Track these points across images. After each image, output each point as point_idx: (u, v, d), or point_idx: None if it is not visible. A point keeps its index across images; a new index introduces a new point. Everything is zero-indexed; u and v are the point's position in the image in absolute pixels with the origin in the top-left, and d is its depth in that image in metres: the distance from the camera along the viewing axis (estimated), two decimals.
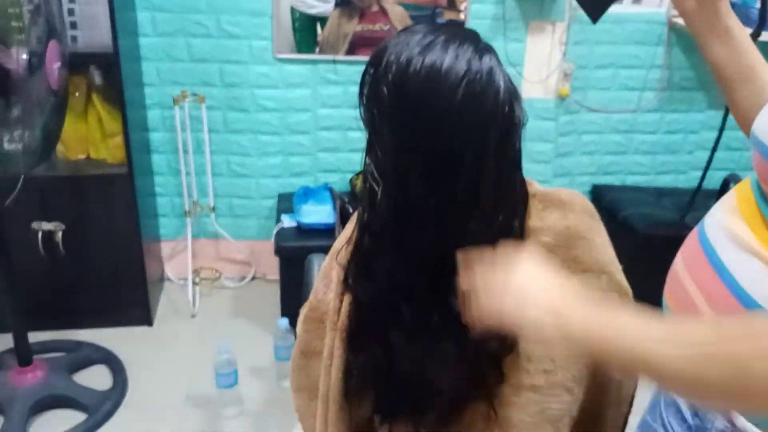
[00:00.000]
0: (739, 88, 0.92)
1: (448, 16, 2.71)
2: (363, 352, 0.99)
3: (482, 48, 0.83)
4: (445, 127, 0.81)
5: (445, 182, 0.83)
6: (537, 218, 0.93)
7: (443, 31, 0.84)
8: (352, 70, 2.69)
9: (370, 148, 0.89)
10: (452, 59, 0.80)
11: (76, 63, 2.21)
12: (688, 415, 0.88)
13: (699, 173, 2.57)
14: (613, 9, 0.96)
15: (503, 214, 0.88)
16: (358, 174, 2.82)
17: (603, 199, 2.88)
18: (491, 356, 0.92)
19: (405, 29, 0.87)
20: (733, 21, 0.91)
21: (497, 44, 2.60)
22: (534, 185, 0.96)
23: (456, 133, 0.81)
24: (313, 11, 2.68)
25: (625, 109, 2.91)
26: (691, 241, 0.88)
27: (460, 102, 0.79)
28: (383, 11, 2.70)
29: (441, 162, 0.82)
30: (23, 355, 2.13)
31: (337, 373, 1.01)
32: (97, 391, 2.21)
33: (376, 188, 0.88)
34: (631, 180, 3.06)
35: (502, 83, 0.82)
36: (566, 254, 0.94)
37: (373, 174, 0.88)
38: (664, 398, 0.95)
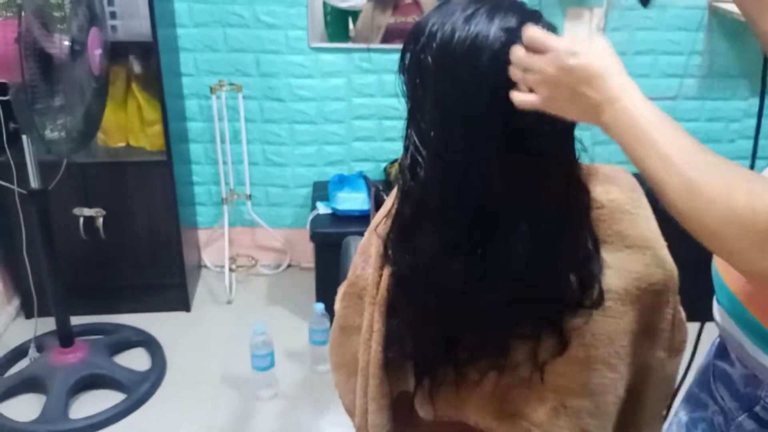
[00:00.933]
0: None
1: None
2: (403, 324, 0.99)
3: (528, 15, 0.82)
4: (489, 95, 0.80)
5: (490, 149, 0.83)
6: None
7: (487, 0, 0.83)
8: (387, 59, 2.69)
9: (412, 118, 0.89)
10: (497, 29, 0.79)
11: (116, 52, 2.26)
12: (741, 385, 0.86)
13: (742, 163, 2.52)
14: None
15: (553, 177, 0.86)
16: (392, 162, 2.84)
17: (642, 187, 2.83)
18: (543, 318, 0.91)
19: (446, 0, 0.86)
20: None
21: None
22: (578, 164, 0.95)
23: (499, 100, 0.80)
24: (344, 5, 2.69)
25: (665, 96, 2.85)
26: None
27: (503, 71, 0.79)
28: (417, 3, 2.69)
29: (485, 129, 0.82)
30: (65, 336, 2.19)
31: (377, 347, 1.01)
32: (136, 372, 2.26)
33: (419, 159, 0.87)
34: None
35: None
36: (610, 228, 0.92)
37: (416, 144, 0.88)
38: (713, 369, 0.93)
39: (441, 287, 0.91)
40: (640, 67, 2.80)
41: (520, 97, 0.77)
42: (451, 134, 0.84)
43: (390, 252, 0.97)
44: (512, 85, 0.79)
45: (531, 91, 0.76)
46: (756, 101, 2.87)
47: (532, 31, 0.76)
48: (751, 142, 2.18)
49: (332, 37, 2.71)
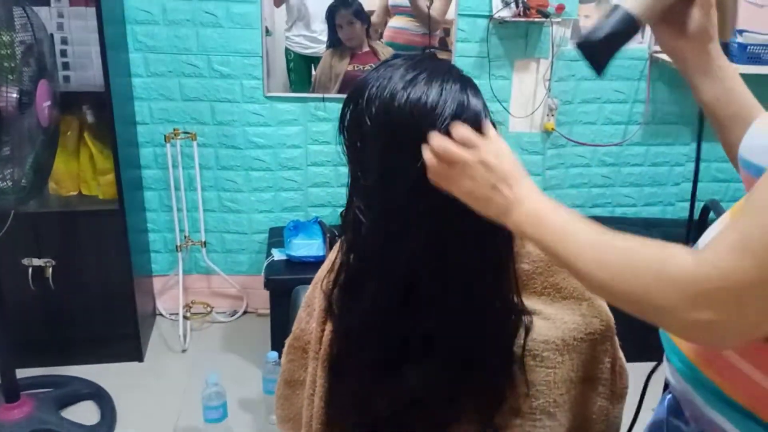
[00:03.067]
0: (733, 128, 0.89)
1: (440, 56, 2.78)
2: (344, 380, 1.00)
3: (466, 81, 0.86)
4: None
5: (431, 209, 0.85)
6: (517, 245, 0.95)
7: (425, 65, 0.86)
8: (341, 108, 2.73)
9: (354, 179, 0.91)
10: (436, 95, 0.82)
11: (69, 102, 2.26)
12: None
13: (687, 204, 2.61)
14: None
15: (488, 240, 0.89)
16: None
17: None
18: (484, 379, 0.92)
19: (384, 62, 0.89)
20: (723, 61, 0.90)
21: (483, 81, 2.67)
22: None
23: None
24: (307, 52, 2.75)
25: (610, 142, 2.96)
26: None
27: (443, 134, 0.81)
28: (374, 52, 2.77)
29: (424, 190, 0.83)
30: (10, 390, 2.13)
31: (320, 402, 1.01)
32: (84, 426, 2.20)
33: (360, 216, 0.89)
34: (619, 211, 3.10)
35: (482, 118, 0.84)
36: (545, 281, 0.95)
37: (358, 204, 0.89)
38: (667, 426, 0.94)
39: (381, 346, 0.93)
40: (586, 114, 2.90)
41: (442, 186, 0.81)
42: (391, 194, 0.86)
43: (333, 306, 0.98)
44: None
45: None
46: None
47: (462, 130, 0.79)
48: None
49: (295, 83, 2.76)
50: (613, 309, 0.96)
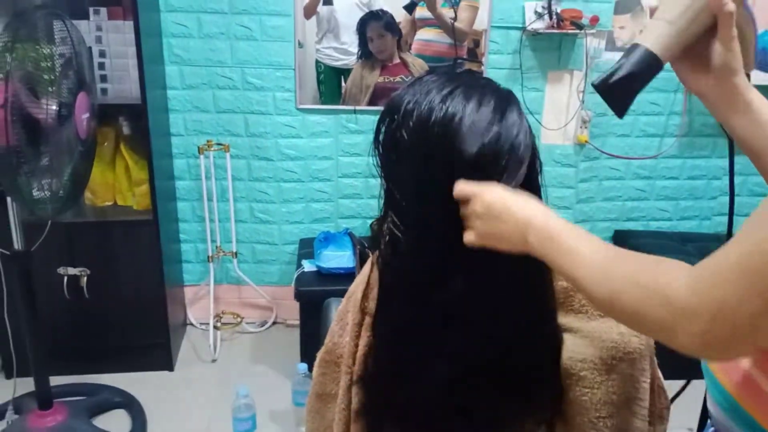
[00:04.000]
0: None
1: (470, 66, 2.77)
2: (379, 395, 0.98)
3: (503, 97, 0.84)
4: (467, 174, 0.81)
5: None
6: None
7: (462, 80, 0.84)
8: (373, 120, 2.74)
9: (389, 196, 0.90)
10: (473, 109, 0.81)
11: (106, 114, 2.30)
12: None
13: (724, 218, 2.55)
14: None
15: (526, 257, 0.88)
16: (377, 219, 2.85)
17: (626, 244, 2.85)
18: (525, 396, 0.91)
19: (420, 78, 0.88)
20: (753, 94, 0.85)
21: (515, 93, 2.65)
22: None
23: (477, 179, 0.81)
24: (337, 64, 2.77)
25: (645, 154, 2.91)
26: None
27: (481, 150, 0.80)
28: (404, 63, 2.77)
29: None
30: (43, 398, 2.15)
31: (352, 417, 1.00)
32: None
33: (398, 233, 0.88)
34: (654, 225, 3.04)
35: (522, 134, 0.83)
36: (584, 299, 0.93)
37: (394, 221, 0.88)
38: None
39: (416, 360, 0.91)
40: (620, 126, 2.86)
41: (466, 238, 0.83)
42: (426, 210, 0.85)
43: (368, 322, 0.98)
44: (489, 164, 0.81)
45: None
46: (737, 159, 2.93)
47: (459, 187, 0.81)
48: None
49: (325, 95, 2.77)
50: None
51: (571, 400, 0.90)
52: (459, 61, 2.74)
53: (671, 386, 1.01)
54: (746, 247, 0.62)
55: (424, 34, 2.76)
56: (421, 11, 2.69)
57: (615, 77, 0.80)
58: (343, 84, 2.79)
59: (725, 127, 0.87)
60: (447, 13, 2.67)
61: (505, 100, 0.84)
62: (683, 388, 0.97)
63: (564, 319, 0.92)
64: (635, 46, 0.80)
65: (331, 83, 2.80)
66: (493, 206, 0.79)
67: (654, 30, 0.79)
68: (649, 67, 0.78)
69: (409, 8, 2.68)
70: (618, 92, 0.80)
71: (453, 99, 0.81)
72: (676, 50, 0.80)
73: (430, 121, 0.81)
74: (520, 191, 0.82)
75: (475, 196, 0.81)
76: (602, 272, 0.70)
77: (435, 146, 0.81)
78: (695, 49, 0.81)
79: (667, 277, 0.65)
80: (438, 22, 2.69)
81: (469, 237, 0.82)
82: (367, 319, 1.00)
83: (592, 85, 0.82)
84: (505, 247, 0.81)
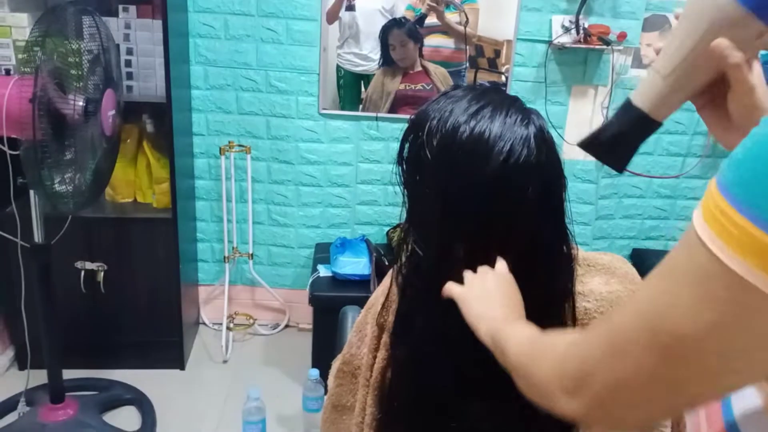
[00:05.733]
0: None
1: (489, 77, 2.76)
2: (397, 411, 0.97)
3: (529, 116, 0.82)
4: (492, 194, 0.80)
5: (491, 246, 0.83)
6: (578, 282, 0.92)
7: (488, 97, 0.83)
8: (393, 127, 2.74)
9: (413, 212, 0.89)
10: (499, 128, 0.79)
11: (130, 111, 2.31)
12: None
13: None
14: None
15: (546, 277, 0.87)
16: (394, 227, 2.86)
17: (644, 264, 2.83)
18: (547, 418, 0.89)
19: (446, 93, 0.87)
20: None
21: (539, 106, 2.63)
22: (575, 249, 0.95)
23: (502, 201, 0.80)
24: (358, 69, 2.77)
25: (667, 174, 2.88)
26: None
27: (507, 171, 0.78)
28: (425, 71, 2.77)
29: (487, 227, 0.82)
30: (56, 392, 2.16)
31: (369, 431, 1.00)
32: None
33: (419, 251, 0.87)
34: (673, 245, 3.00)
35: (545, 156, 0.81)
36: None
37: (416, 238, 0.87)
38: None
39: (435, 377, 0.91)
40: (644, 145, 2.82)
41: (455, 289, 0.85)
42: (452, 229, 0.84)
43: (387, 336, 0.97)
44: (514, 185, 0.80)
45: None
46: None
47: (447, 290, 0.84)
48: None
49: (344, 100, 2.78)
50: None
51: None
52: (467, 66, 2.74)
53: None
54: (620, 321, 0.55)
55: (433, 41, 2.76)
56: (428, 19, 2.70)
57: (602, 137, 0.75)
58: (362, 90, 2.79)
59: None
60: (453, 18, 2.67)
61: (531, 119, 0.83)
62: None
63: None
64: (627, 102, 0.72)
65: (351, 89, 2.80)
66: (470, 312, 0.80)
67: (647, 84, 0.70)
68: (639, 125, 0.71)
69: (421, 20, 2.69)
70: (608, 151, 0.76)
71: (479, 119, 0.80)
72: (673, 106, 0.70)
73: (456, 139, 0.80)
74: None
75: (457, 297, 0.82)
76: (523, 346, 0.69)
77: (460, 165, 0.80)
78: (717, 97, 0.70)
79: (556, 339, 0.63)
80: (446, 29, 2.70)
81: (455, 288, 0.83)
82: (385, 336, 1.00)
83: (578, 144, 0.76)
84: (472, 320, 0.81)
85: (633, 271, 0.96)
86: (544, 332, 0.69)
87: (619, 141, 0.74)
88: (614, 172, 2.85)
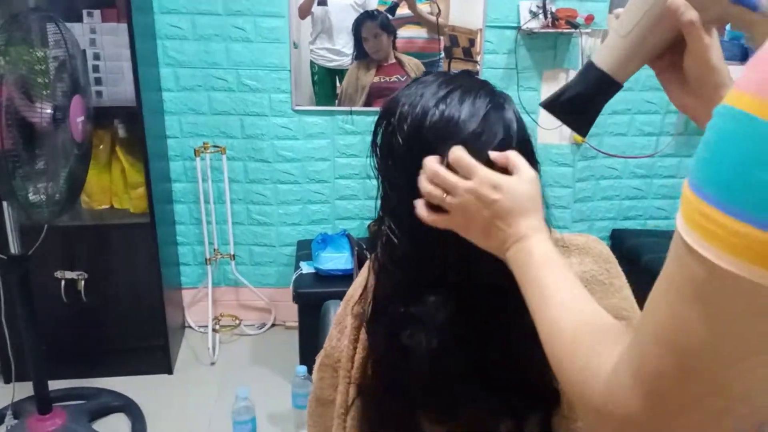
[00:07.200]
0: None
1: (464, 66, 2.77)
2: (378, 402, 0.98)
3: (498, 99, 0.83)
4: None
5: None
6: None
7: (457, 81, 0.83)
8: (369, 121, 2.72)
9: (386, 198, 0.89)
10: (469, 111, 0.80)
11: (101, 116, 2.29)
12: None
13: None
14: None
15: None
16: (375, 220, 2.85)
17: (623, 244, 2.86)
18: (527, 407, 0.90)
19: (417, 79, 0.87)
20: None
21: (511, 93, 2.63)
22: (551, 232, 0.96)
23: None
24: (331, 65, 2.76)
25: (642, 153, 2.91)
26: None
27: (477, 154, 0.77)
28: (400, 63, 2.77)
29: None
30: (43, 402, 2.15)
31: (352, 422, 1.00)
32: None
33: (393, 238, 0.87)
34: (651, 224, 3.04)
35: (515, 136, 0.82)
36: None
37: (390, 225, 0.88)
38: None
39: (416, 372, 0.91)
40: (617, 126, 2.86)
41: (430, 217, 0.77)
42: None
43: (367, 328, 0.97)
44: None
45: (440, 209, 0.76)
46: None
47: (460, 154, 0.75)
48: None
49: (320, 96, 2.77)
50: None
51: (570, 405, 0.90)
52: (442, 56, 2.74)
53: None
54: (644, 350, 0.51)
55: (406, 32, 2.76)
56: (401, 10, 2.70)
57: (563, 98, 0.75)
58: (337, 85, 2.79)
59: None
60: (425, 9, 2.68)
61: (501, 102, 0.84)
62: None
63: None
64: (589, 63, 0.73)
65: (325, 84, 2.80)
66: (498, 203, 0.71)
67: (607, 45, 0.71)
68: (600, 86, 0.71)
69: (392, 10, 2.69)
70: (570, 112, 0.75)
71: (448, 102, 0.80)
72: (633, 67, 0.71)
73: (425, 123, 0.80)
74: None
75: (481, 175, 0.73)
76: (550, 335, 0.65)
77: (429, 149, 0.80)
78: (676, 61, 0.71)
79: (595, 361, 0.57)
80: (419, 20, 2.70)
81: (437, 219, 0.77)
82: (364, 326, 1.00)
83: (540, 104, 0.76)
84: (480, 244, 0.76)
85: (607, 250, 0.96)
86: (586, 320, 0.64)
87: (579, 102, 0.74)
88: (590, 154, 2.87)
